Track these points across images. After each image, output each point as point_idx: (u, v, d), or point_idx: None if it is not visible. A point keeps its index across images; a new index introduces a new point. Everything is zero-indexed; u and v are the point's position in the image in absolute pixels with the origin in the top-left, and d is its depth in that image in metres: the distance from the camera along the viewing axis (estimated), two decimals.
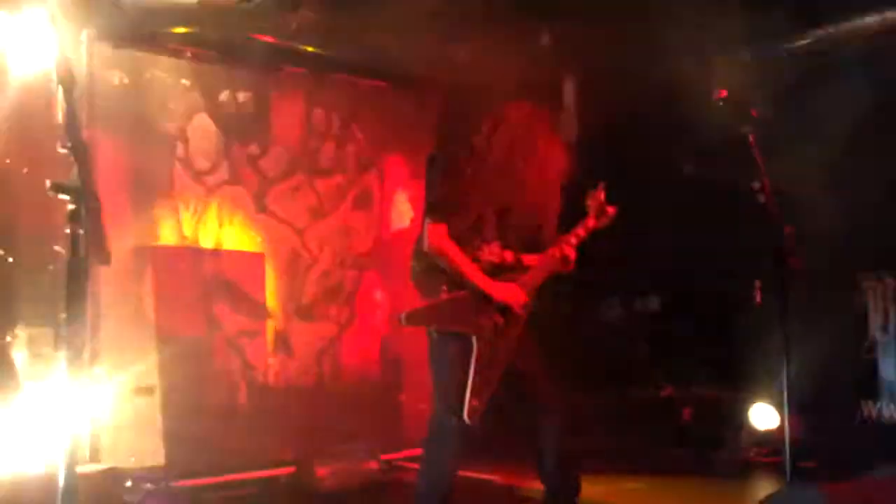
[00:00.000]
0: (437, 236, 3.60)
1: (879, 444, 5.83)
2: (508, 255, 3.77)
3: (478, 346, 3.59)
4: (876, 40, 5.83)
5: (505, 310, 3.67)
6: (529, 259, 3.83)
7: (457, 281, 3.61)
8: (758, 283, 6.58)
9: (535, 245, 3.86)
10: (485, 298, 3.62)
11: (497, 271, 3.71)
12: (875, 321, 6.18)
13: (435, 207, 3.66)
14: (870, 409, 6.03)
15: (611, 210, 3.98)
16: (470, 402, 3.53)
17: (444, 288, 3.61)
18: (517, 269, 3.77)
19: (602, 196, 3.97)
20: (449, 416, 3.58)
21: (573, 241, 3.86)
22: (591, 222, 3.95)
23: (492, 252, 3.74)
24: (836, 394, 6.02)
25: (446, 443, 3.65)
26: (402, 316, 3.63)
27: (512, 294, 3.68)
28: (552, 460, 3.77)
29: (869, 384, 6.09)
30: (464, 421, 3.53)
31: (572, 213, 4.00)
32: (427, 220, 3.66)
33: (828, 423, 5.79)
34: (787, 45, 6.18)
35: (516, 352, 3.71)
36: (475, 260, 3.66)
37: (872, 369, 6.12)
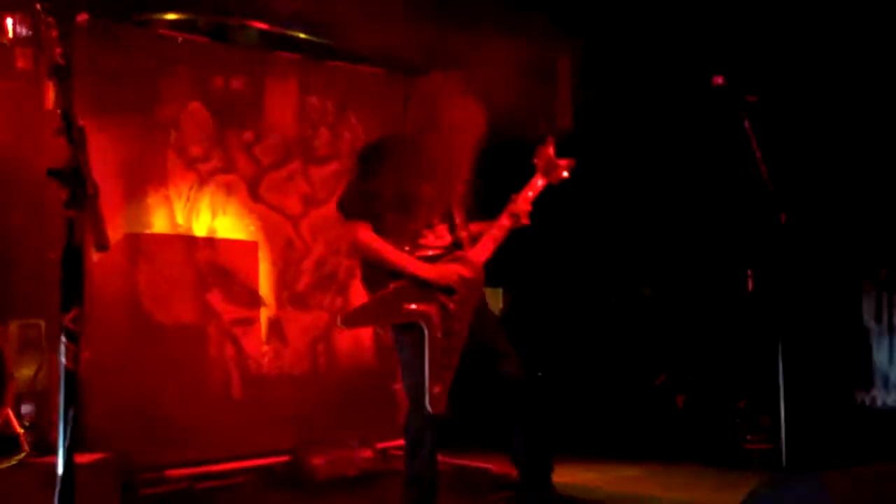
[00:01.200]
0: (357, 234, 3.57)
1: (873, 431, 5.86)
2: (461, 234, 3.73)
3: (428, 332, 3.52)
4: None
5: (450, 290, 3.60)
6: (479, 227, 3.80)
7: (395, 273, 3.55)
8: (750, 272, 6.60)
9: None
10: (425, 283, 3.56)
11: (452, 251, 3.67)
12: (868, 310, 6.19)
13: (347, 207, 3.64)
14: (863, 396, 6.05)
15: (564, 163, 3.88)
16: (430, 390, 3.47)
17: (391, 282, 3.55)
18: (470, 243, 3.73)
19: (550, 151, 3.87)
20: (415, 408, 3.54)
21: (521, 200, 3.79)
22: (540, 180, 3.86)
23: (438, 235, 3.69)
24: (830, 381, 6.04)
25: (419, 434, 3.61)
26: (339, 319, 3.69)
27: (449, 273, 3.60)
28: (522, 438, 3.71)
29: (862, 372, 6.11)
30: (428, 410, 3.48)
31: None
32: (346, 222, 3.64)
33: (822, 411, 5.82)
34: None
35: (476, 328, 3.65)
36: (419, 247, 3.61)
37: (866, 357, 6.14)
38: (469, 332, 3.63)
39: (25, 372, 4.92)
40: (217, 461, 5.52)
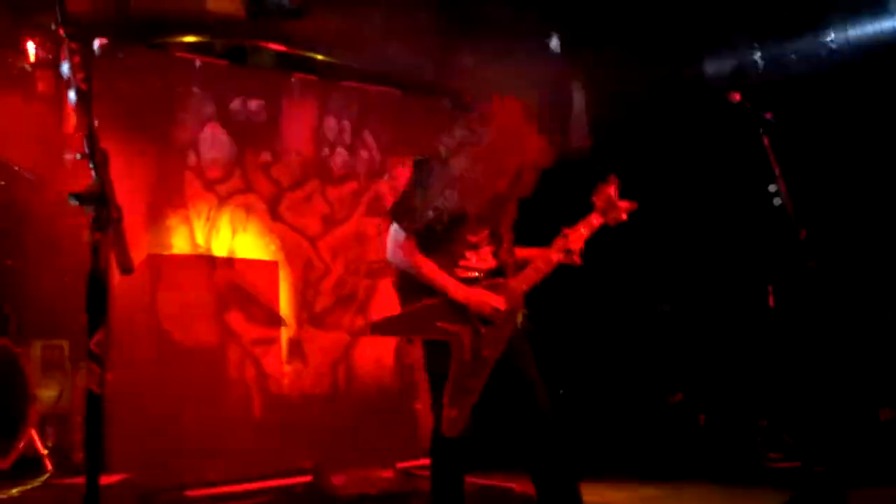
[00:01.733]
0: (398, 246, 3.50)
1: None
2: (506, 259, 3.62)
3: (455, 354, 3.44)
4: None
5: (482, 317, 3.50)
6: (524, 254, 3.71)
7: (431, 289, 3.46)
8: (770, 288, 6.57)
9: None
10: (458, 306, 3.46)
11: (494, 276, 3.57)
12: (891, 326, 6.13)
13: (397, 216, 3.54)
14: (888, 413, 5.98)
15: (624, 205, 3.75)
16: (447, 413, 3.38)
17: (425, 297, 3.48)
18: (513, 270, 3.62)
19: (612, 191, 3.74)
20: (437, 429, 3.45)
21: (575, 238, 3.66)
22: (596, 220, 3.74)
23: (482, 258, 3.60)
24: (854, 398, 5.98)
25: (443, 455, 3.53)
26: (367, 325, 3.55)
27: (483, 303, 3.48)
28: (549, 472, 3.53)
29: (887, 388, 6.05)
30: (447, 432, 3.38)
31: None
32: (389, 231, 3.54)
33: (846, 428, 5.76)
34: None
35: (508, 354, 3.54)
36: (461, 268, 3.52)
37: (890, 373, 6.07)
38: (500, 358, 3.53)
39: (48, 393, 4.95)
40: (238, 481, 5.51)
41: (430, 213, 3.46)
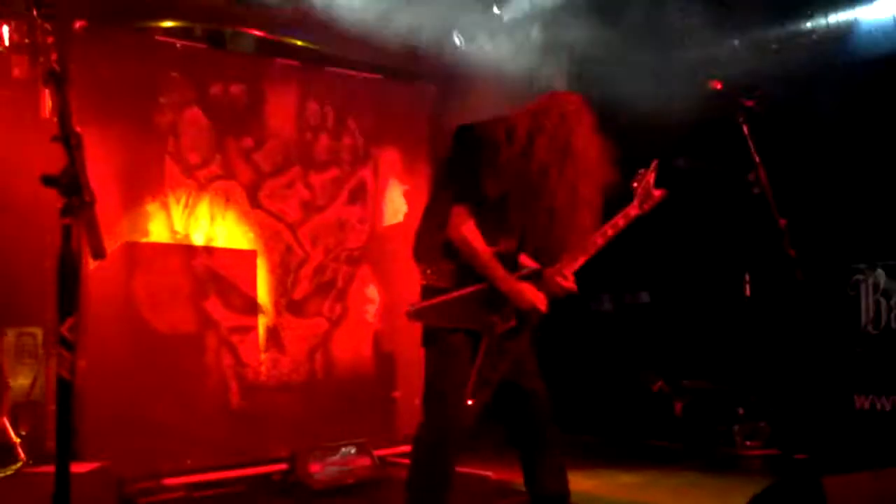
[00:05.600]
0: (464, 222, 3.30)
1: (872, 436, 5.85)
2: (525, 254, 3.46)
3: (485, 345, 3.32)
4: None
5: (519, 312, 3.39)
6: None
7: (471, 272, 3.32)
8: (747, 276, 6.60)
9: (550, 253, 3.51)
10: (501, 296, 3.34)
11: (508, 265, 3.40)
12: (867, 313, 6.19)
13: (467, 192, 3.34)
14: (862, 401, 6.03)
15: (657, 193, 3.58)
16: (464, 402, 3.28)
17: (449, 277, 3.34)
18: (532, 267, 3.45)
19: (651, 178, 3.56)
20: (444, 416, 3.31)
21: (609, 232, 3.49)
22: (633, 210, 3.56)
23: (508, 244, 3.43)
24: (828, 386, 6.03)
25: (444, 445, 3.34)
26: (411, 309, 3.36)
27: (535, 299, 3.38)
28: (546, 474, 3.49)
29: (861, 376, 6.10)
30: (461, 421, 3.29)
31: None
32: (456, 203, 3.33)
33: (821, 416, 5.81)
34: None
35: (521, 355, 3.45)
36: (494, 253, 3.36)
37: (864, 362, 6.13)
38: (518, 355, 3.44)
39: (22, 381, 4.90)
40: (214, 470, 5.50)
41: (492, 201, 3.31)
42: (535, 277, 3.44)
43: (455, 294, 3.34)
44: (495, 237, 3.39)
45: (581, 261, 3.47)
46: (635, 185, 3.58)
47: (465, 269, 3.34)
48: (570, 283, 3.45)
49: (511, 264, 3.42)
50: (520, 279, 3.41)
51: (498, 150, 3.34)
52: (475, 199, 3.33)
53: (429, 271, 3.42)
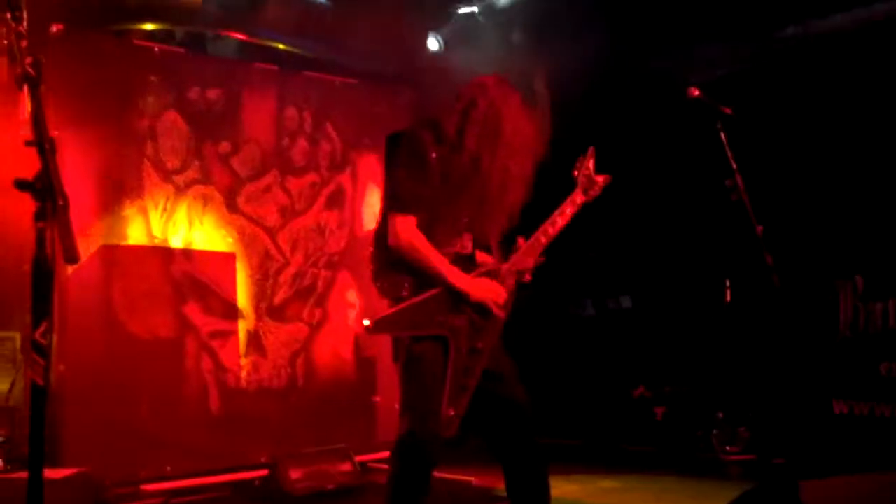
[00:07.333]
0: (406, 230, 3.22)
1: (850, 441, 5.89)
2: (480, 251, 3.39)
3: (453, 349, 3.23)
4: None
5: (482, 308, 3.30)
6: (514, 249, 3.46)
7: (424, 279, 3.22)
8: (727, 282, 6.64)
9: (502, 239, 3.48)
10: (459, 297, 3.25)
11: (466, 265, 3.33)
12: (845, 319, 6.23)
13: (402, 199, 3.27)
14: (841, 406, 6.07)
15: (600, 179, 3.58)
16: (446, 411, 3.19)
17: (406, 287, 3.24)
18: (489, 265, 3.38)
19: (591, 164, 3.57)
20: (423, 429, 3.19)
21: (559, 221, 3.46)
22: (579, 197, 3.54)
23: (462, 245, 3.36)
24: (807, 391, 6.06)
25: (421, 457, 3.22)
26: (369, 323, 3.26)
27: (492, 292, 3.31)
28: (526, 475, 3.41)
29: (839, 381, 6.14)
30: (439, 433, 3.18)
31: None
32: (392, 213, 3.26)
33: (800, 421, 5.84)
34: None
35: (494, 353, 3.37)
36: (444, 254, 3.28)
37: (842, 367, 6.17)
38: (492, 353, 3.36)
39: (0, 386, 4.87)
40: (194, 475, 5.46)
41: (430, 202, 3.25)
42: (493, 274, 3.39)
43: (411, 301, 3.25)
44: (450, 239, 3.33)
45: (535, 254, 3.45)
46: (576, 173, 3.58)
47: (420, 276, 3.26)
48: (527, 275, 3.44)
49: (469, 263, 3.36)
50: (479, 276, 3.34)
51: (426, 150, 3.30)
52: (412, 205, 3.26)
53: (386, 285, 3.33)
